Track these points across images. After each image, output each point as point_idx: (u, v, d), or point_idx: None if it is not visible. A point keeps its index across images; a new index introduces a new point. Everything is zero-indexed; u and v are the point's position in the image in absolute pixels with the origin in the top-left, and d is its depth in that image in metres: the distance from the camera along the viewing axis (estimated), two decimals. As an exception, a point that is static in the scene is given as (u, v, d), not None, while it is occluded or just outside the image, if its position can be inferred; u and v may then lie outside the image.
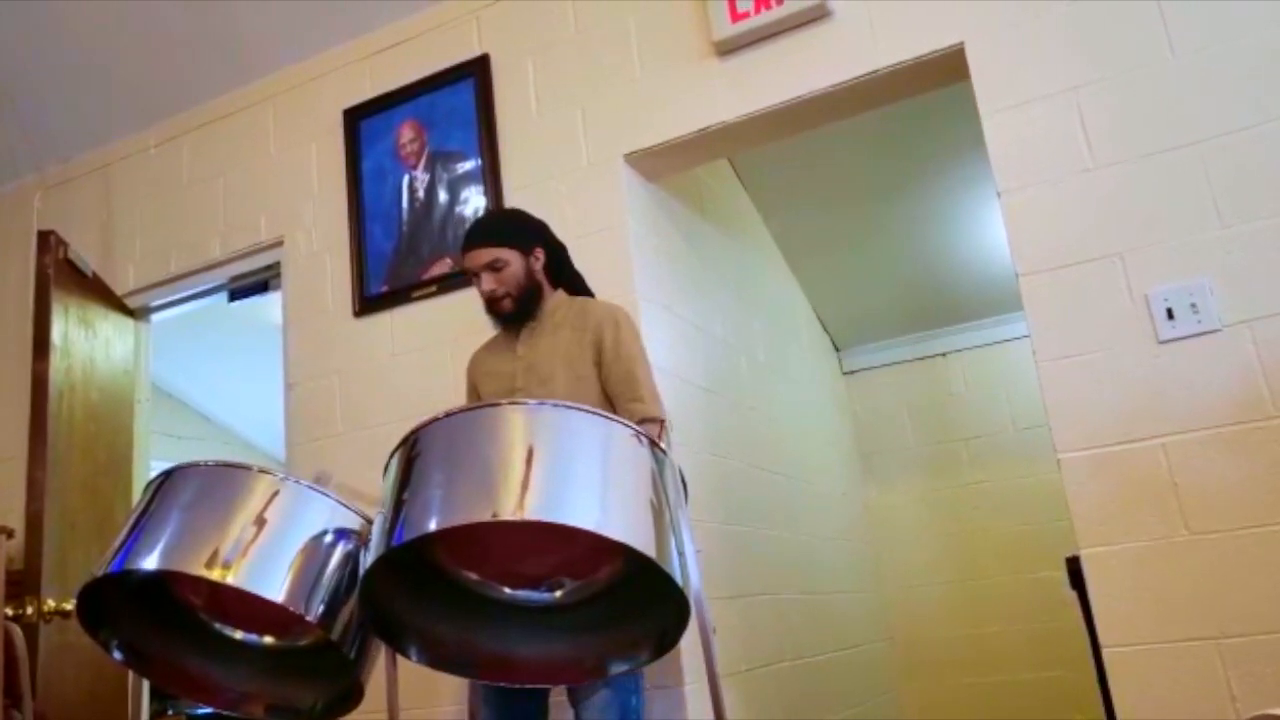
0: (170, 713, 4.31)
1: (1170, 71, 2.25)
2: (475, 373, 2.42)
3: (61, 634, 2.77)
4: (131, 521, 1.67)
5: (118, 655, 1.76)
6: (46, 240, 3.09)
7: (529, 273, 2.30)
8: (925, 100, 2.82)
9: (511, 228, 2.33)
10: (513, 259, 2.27)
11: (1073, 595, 2.29)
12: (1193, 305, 2.14)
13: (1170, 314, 2.16)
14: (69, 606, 2.69)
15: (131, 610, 1.76)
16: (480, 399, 2.35)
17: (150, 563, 1.58)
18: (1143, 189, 2.24)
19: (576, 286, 2.45)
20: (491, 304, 2.30)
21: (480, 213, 2.97)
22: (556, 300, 2.37)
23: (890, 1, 2.57)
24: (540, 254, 2.33)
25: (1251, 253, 2.12)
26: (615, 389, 2.21)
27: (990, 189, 2.44)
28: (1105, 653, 2.11)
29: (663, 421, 2.18)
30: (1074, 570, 2.23)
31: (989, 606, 4.42)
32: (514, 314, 2.30)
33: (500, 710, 2.12)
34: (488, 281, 2.27)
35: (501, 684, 1.94)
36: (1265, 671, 1.96)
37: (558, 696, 2.25)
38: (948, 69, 2.55)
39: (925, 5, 2.53)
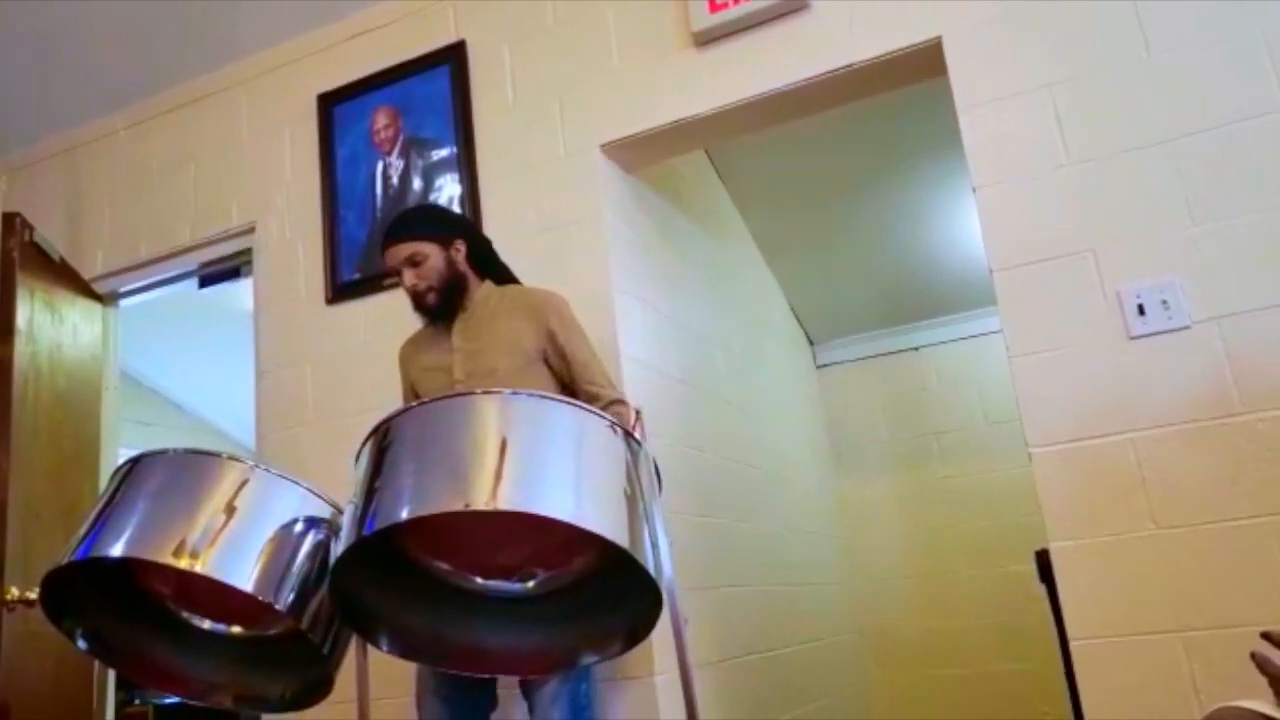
0: (136, 703, 4.27)
1: (1145, 70, 2.27)
2: (410, 368, 2.39)
3: (26, 623, 2.73)
4: (97, 509, 1.64)
5: (83, 645, 1.73)
6: (12, 223, 3.04)
7: (450, 264, 2.27)
8: (902, 95, 2.82)
9: (427, 221, 2.31)
10: (431, 252, 2.24)
11: (1042, 589, 2.31)
12: (1164, 302, 2.16)
13: (1141, 310, 2.18)
14: (33, 595, 2.65)
15: (97, 599, 1.74)
16: (419, 395, 2.33)
17: (116, 550, 1.56)
18: (1116, 185, 2.25)
19: (505, 278, 2.42)
20: (416, 299, 2.28)
21: (455, 201, 2.95)
22: (485, 290, 2.34)
23: (869, -5, 2.57)
24: (461, 245, 2.30)
25: (1221, 250, 2.14)
26: (572, 375, 2.24)
27: (965, 184, 2.45)
28: (1073, 645, 2.13)
29: (636, 409, 2.18)
30: (1043, 563, 2.25)
31: (958, 600, 4.46)
32: (439, 307, 2.28)
33: (450, 703, 2.12)
34: (409, 277, 2.25)
35: (468, 674, 1.94)
36: (1228, 665, 1.98)
37: (508, 690, 2.26)
38: (925, 63, 2.56)
39: None
